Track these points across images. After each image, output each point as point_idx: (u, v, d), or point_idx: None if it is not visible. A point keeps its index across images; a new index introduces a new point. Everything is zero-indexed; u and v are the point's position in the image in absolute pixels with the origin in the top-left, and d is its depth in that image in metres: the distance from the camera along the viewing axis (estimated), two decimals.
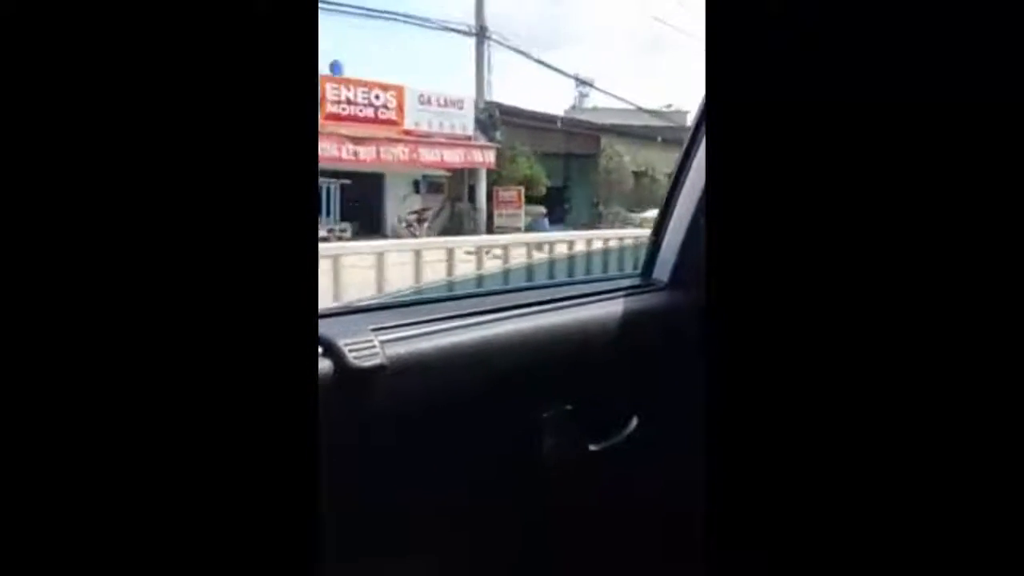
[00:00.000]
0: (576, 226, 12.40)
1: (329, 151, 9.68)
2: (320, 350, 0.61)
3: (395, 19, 14.02)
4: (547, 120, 14.55)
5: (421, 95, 11.92)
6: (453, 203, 13.30)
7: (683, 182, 0.93)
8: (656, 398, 0.88)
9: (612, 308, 0.86)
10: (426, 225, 11.46)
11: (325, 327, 0.64)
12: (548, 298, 0.85)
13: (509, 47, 13.26)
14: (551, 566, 0.83)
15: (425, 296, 0.89)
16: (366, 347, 0.63)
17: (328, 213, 10.52)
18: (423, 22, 12.78)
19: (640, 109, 16.74)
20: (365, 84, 11.28)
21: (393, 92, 11.55)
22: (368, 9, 11.64)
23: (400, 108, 11.55)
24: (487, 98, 13.18)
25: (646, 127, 16.17)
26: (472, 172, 12.88)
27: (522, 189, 12.88)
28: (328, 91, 10.41)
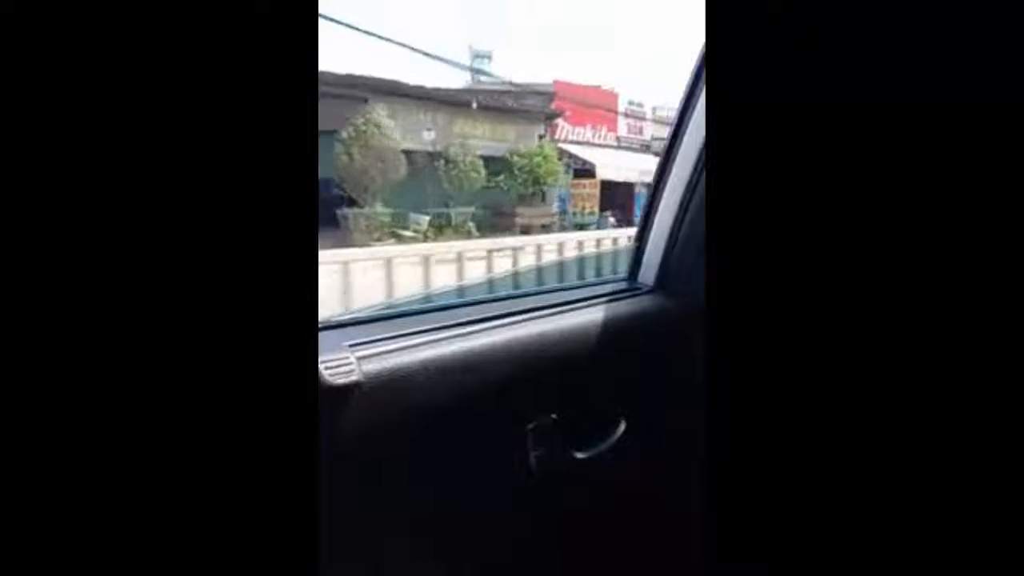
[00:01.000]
0: None
1: None
2: None
3: None
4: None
5: None
6: None
7: (664, 184, 0.93)
8: (643, 402, 0.87)
9: (597, 314, 0.85)
10: None
11: None
12: (532, 306, 0.84)
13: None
14: None
15: (403, 309, 0.88)
16: (342, 364, 0.62)
17: None
18: None
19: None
20: None
21: None
22: None
23: None
24: None
25: (456, 91, 11.97)
26: None
27: None
28: None
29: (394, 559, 0.69)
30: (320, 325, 0.82)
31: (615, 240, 6.64)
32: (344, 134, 9.24)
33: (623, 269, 1.03)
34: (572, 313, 0.84)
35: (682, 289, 0.92)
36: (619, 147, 15.27)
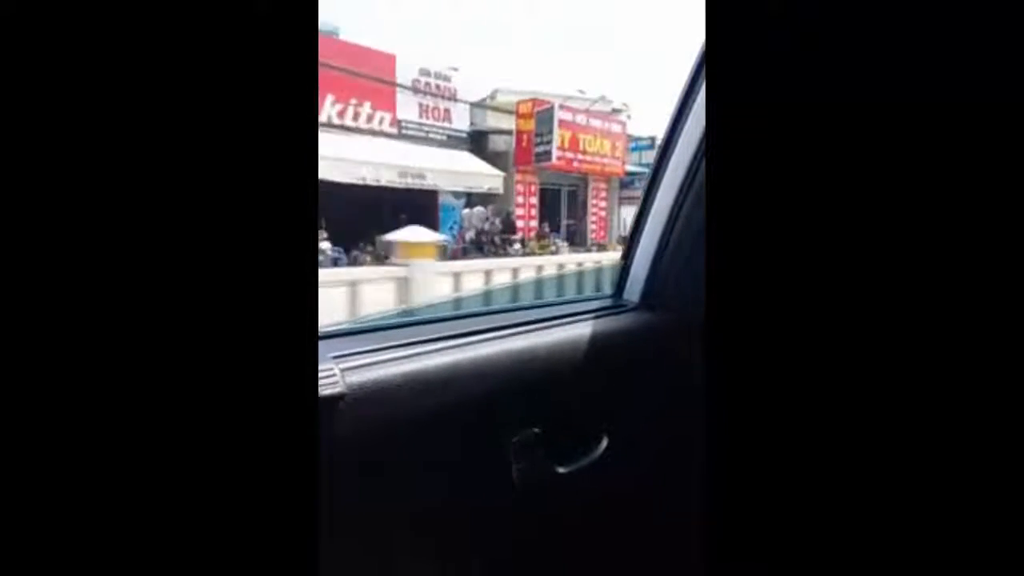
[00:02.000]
0: None
1: None
2: None
3: None
4: None
5: None
6: None
7: (651, 202, 0.93)
8: (626, 418, 0.87)
9: (582, 330, 0.85)
10: None
11: None
12: (518, 321, 0.84)
13: None
14: None
15: (389, 322, 0.87)
16: (326, 375, 0.61)
17: None
18: None
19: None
20: None
21: None
22: None
23: None
24: None
25: None
26: None
27: None
28: None
29: (375, 572, 0.68)
30: None
31: None
32: None
33: None
34: (557, 329, 0.84)
35: (667, 306, 0.93)
36: (400, 135, 10.40)
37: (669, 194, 0.90)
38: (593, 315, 0.89)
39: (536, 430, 0.76)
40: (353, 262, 7.85)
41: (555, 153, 11.66)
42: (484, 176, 11.36)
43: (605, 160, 13.28)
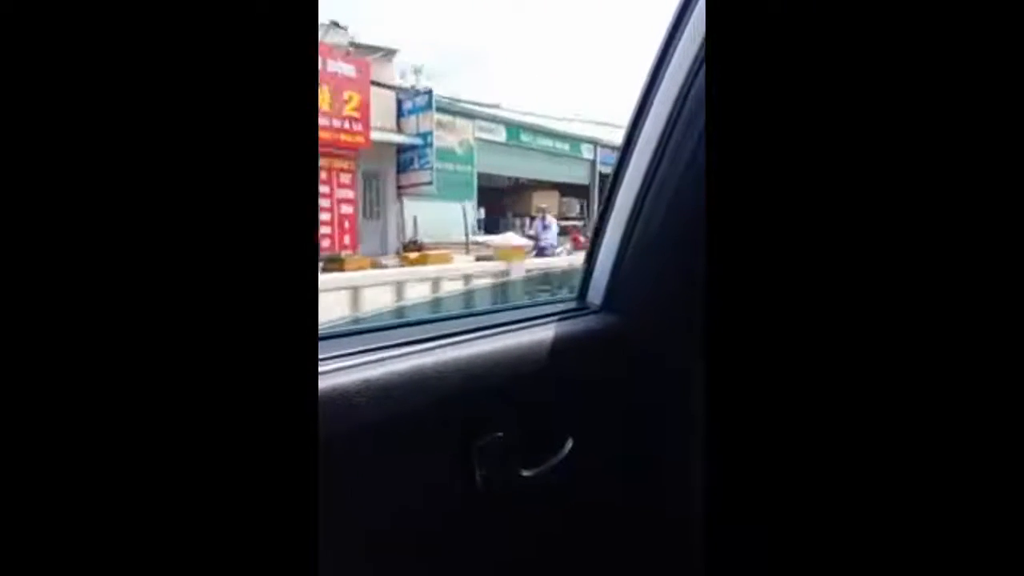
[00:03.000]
0: None
1: None
2: None
3: None
4: None
5: None
6: None
7: (613, 204, 0.93)
8: (590, 419, 0.88)
9: (545, 333, 0.85)
10: None
11: None
12: (483, 325, 0.84)
13: None
14: None
15: (346, 328, 0.85)
16: None
17: None
18: None
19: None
20: None
21: None
22: None
23: None
24: None
25: None
26: None
27: None
28: None
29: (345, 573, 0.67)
30: None
31: None
32: None
33: None
34: (519, 333, 0.84)
35: (629, 308, 0.93)
36: None
37: (630, 194, 0.90)
38: (556, 318, 0.89)
39: (500, 434, 0.76)
40: None
41: None
42: None
43: (335, 124, 8.53)
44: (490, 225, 14.58)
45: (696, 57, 0.79)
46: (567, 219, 16.34)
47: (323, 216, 9.06)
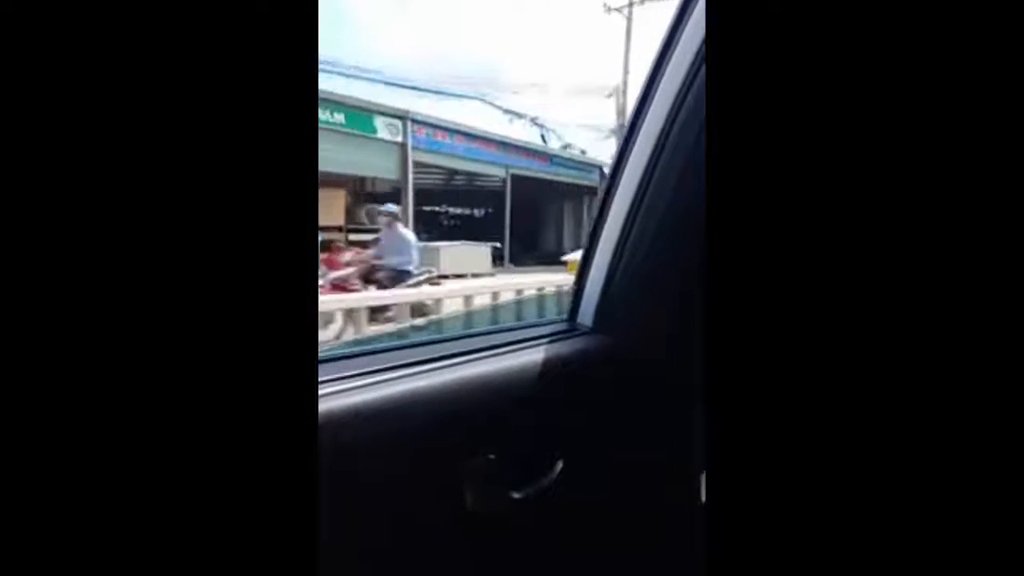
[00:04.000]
0: None
1: None
2: None
3: None
4: None
5: None
6: None
7: (603, 225, 0.93)
8: (580, 442, 0.87)
9: (534, 355, 0.84)
10: None
11: None
12: (471, 348, 0.83)
13: None
14: None
15: (335, 353, 0.84)
16: None
17: None
18: None
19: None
20: None
21: None
22: None
23: None
24: None
25: None
26: None
27: None
28: None
29: None
30: None
31: None
32: None
33: None
34: (509, 355, 0.83)
35: (620, 329, 0.92)
36: None
37: (620, 214, 0.90)
38: (547, 340, 0.89)
39: (490, 456, 0.75)
40: None
41: None
42: None
43: None
44: None
45: (689, 71, 0.80)
46: (358, 230, 11.33)
47: None
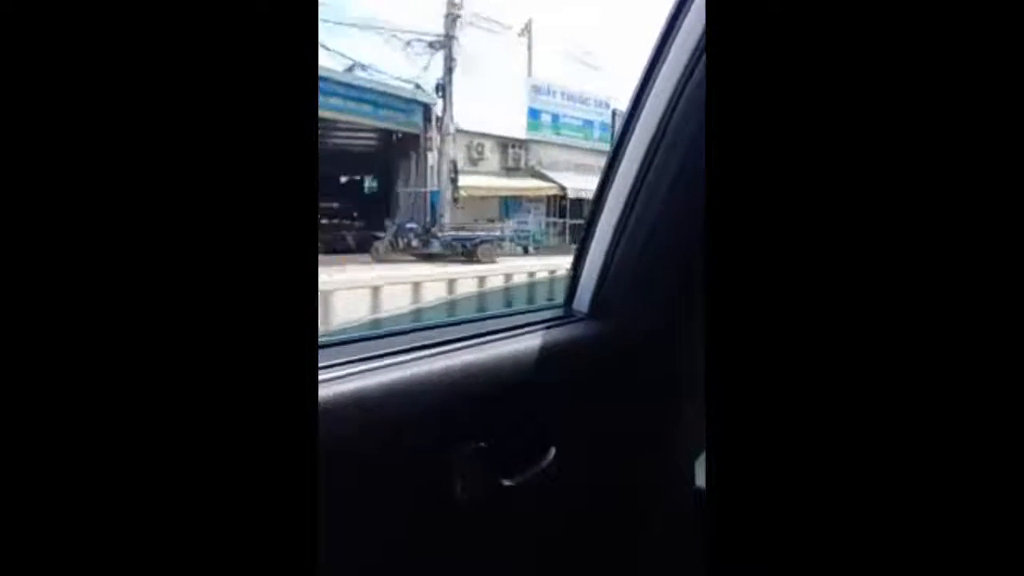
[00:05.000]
0: None
1: None
2: None
3: None
4: None
5: None
6: None
7: (601, 211, 0.93)
8: (575, 429, 0.87)
9: (530, 342, 0.84)
10: None
11: None
12: (465, 335, 0.82)
13: None
14: None
15: (329, 339, 0.83)
16: None
17: None
18: None
19: None
20: None
21: None
22: None
23: None
24: None
25: None
26: None
27: None
28: None
29: None
30: None
31: None
32: None
33: None
34: (503, 342, 0.83)
35: (616, 316, 0.92)
36: None
37: (618, 201, 0.90)
38: (543, 326, 0.89)
39: (482, 444, 0.75)
40: None
41: None
42: None
43: None
44: None
45: (691, 58, 0.79)
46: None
47: None
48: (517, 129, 15.83)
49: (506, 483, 0.77)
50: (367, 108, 11.73)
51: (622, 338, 0.91)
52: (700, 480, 1.04)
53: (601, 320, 0.93)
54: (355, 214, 13.53)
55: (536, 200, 16.48)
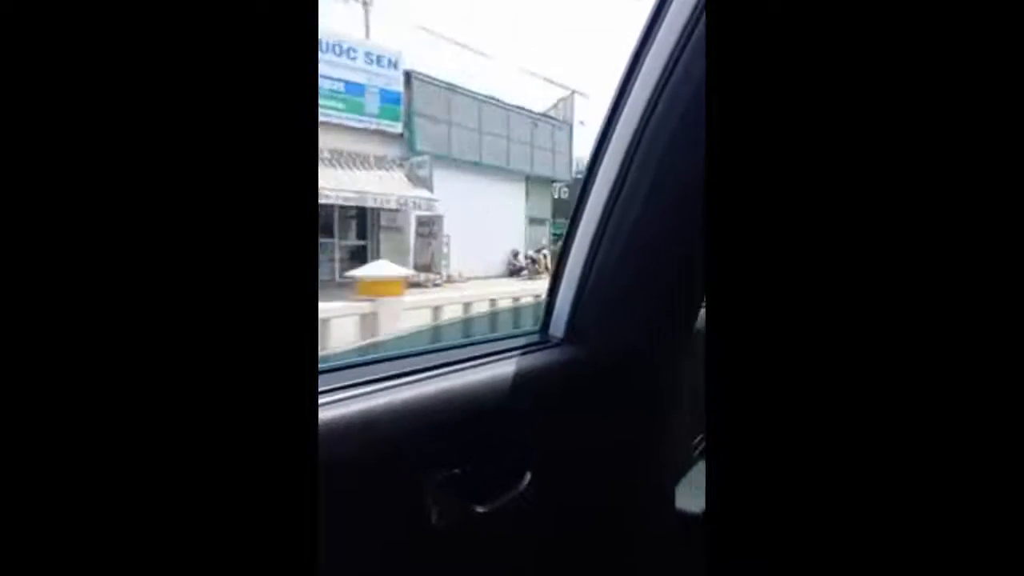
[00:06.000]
0: None
1: None
2: None
3: None
4: None
5: None
6: None
7: (574, 237, 0.93)
8: (552, 454, 0.86)
9: (505, 368, 0.83)
10: None
11: None
12: (439, 362, 0.81)
13: None
14: None
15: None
16: None
17: None
18: None
19: None
20: None
21: None
22: None
23: None
24: None
25: None
26: None
27: None
28: None
29: None
30: None
31: None
32: None
33: None
34: (478, 369, 0.82)
35: (591, 340, 0.92)
36: None
37: (591, 226, 0.91)
38: (519, 352, 0.88)
39: (456, 471, 0.74)
40: None
41: None
42: None
43: None
44: None
45: (654, 92, 0.82)
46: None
47: None
48: None
49: (479, 510, 0.76)
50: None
51: (597, 362, 0.91)
52: (682, 501, 1.03)
53: (576, 345, 0.92)
54: None
55: None
